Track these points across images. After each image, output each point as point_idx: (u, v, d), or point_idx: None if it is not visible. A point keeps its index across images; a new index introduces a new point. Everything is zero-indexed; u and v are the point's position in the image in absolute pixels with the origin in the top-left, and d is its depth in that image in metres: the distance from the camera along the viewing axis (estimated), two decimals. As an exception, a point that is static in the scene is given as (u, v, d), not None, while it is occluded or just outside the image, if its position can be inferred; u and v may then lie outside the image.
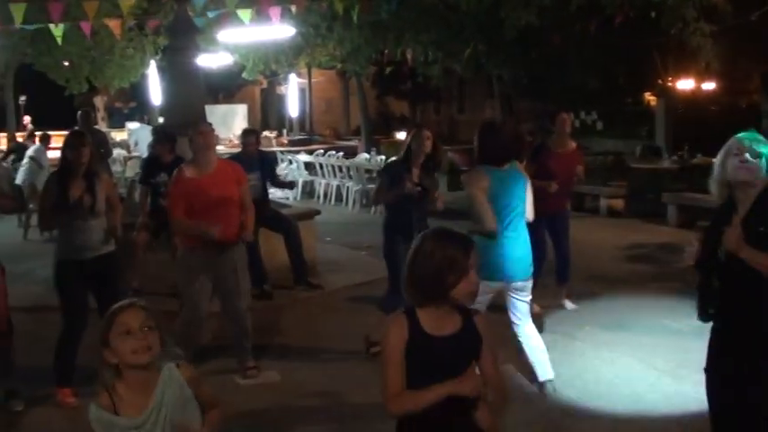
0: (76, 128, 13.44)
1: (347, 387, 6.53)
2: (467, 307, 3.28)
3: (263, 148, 11.56)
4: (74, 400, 6.27)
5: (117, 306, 3.26)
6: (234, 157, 9.86)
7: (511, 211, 5.91)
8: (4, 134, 26.26)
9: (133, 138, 23.20)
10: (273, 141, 26.73)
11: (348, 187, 17.72)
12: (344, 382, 6.64)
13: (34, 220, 14.21)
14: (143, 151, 19.07)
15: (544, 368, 6.17)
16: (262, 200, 9.66)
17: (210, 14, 10.13)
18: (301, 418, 6.05)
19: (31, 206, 14.18)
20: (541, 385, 6.18)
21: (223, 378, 6.66)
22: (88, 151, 6.33)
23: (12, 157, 17.97)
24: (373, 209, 16.20)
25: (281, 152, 22.77)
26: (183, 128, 9.21)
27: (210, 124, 7.04)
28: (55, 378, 6.40)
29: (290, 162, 20.29)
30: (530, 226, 6.14)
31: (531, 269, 6.13)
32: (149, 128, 19.66)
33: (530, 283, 6.13)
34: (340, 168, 18.42)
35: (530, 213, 6.13)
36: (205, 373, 6.75)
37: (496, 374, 3.35)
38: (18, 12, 8.99)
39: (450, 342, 3.19)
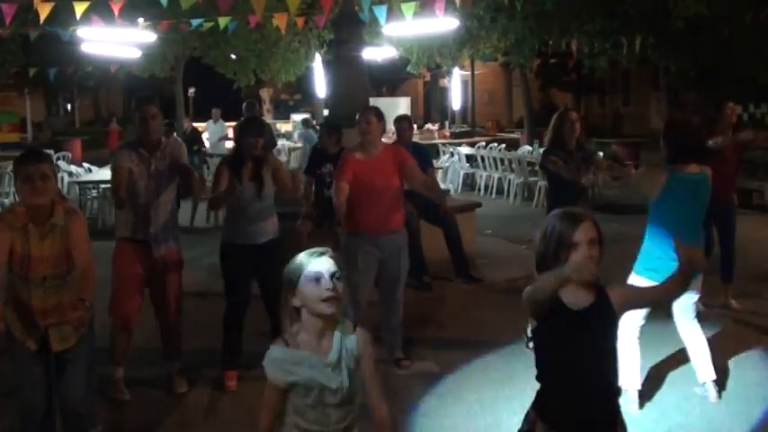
0: (244, 117, 13.91)
1: (503, 380, 6.50)
2: (599, 283, 3.35)
3: (423, 141, 11.57)
4: (234, 383, 6.46)
5: (308, 252, 3.31)
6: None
7: (686, 218, 5.73)
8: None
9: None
10: (436, 134, 26.80)
11: (510, 180, 17.61)
12: (501, 375, 6.62)
13: (201, 208, 14.78)
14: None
15: (706, 369, 5.99)
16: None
17: (377, 12, 10.21)
18: (456, 410, 6.06)
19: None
20: (703, 386, 6.01)
21: (381, 367, 6.74)
22: (264, 142, 6.50)
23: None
24: (534, 202, 16.08)
25: (443, 144, 22.82)
26: (347, 120, 9.39)
27: (382, 114, 7.04)
28: (220, 361, 6.61)
29: (452, 154, 20.31)
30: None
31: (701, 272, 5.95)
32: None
33: (697, 284, 5.95)
34: (502, 161, 18.32)
35: None
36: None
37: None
38: (186, 1, 9.29)
39: (584, 315, 3.28)
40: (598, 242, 3.24)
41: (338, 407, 3.28)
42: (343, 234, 7.06)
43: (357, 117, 6.91)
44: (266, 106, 33.55)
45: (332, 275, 3.24)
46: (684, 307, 5.98)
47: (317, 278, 3.23)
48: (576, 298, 3.29)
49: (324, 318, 3.26)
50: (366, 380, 3.37)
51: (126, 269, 6.23)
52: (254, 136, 6.42)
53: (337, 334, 3.32)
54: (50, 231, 4.53)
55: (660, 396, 6.05)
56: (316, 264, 3.25)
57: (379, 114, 6.87)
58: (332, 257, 3.31)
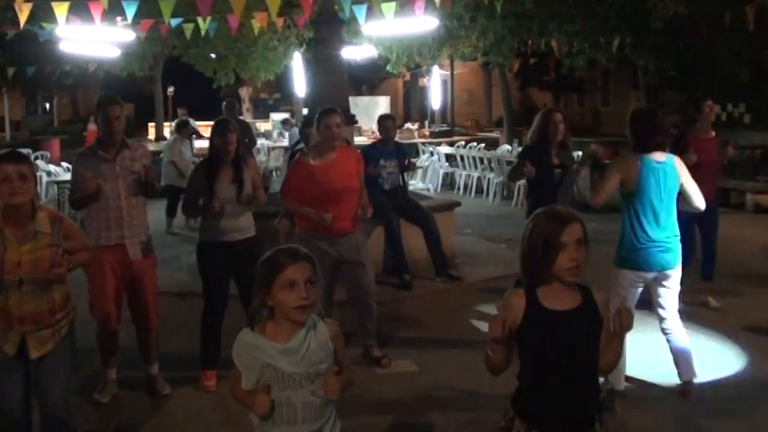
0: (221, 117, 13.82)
1: (483, 378, 6.48)
2: (586, 285, 3.33)
3: (403, 140, 11.60)
4: (214, 383, 6.45)
5: (284, 255, 3.28)
6: (371, 145, 10.00)
7: (659, 204, 5.75)
8: (153, 124, 27.23)
9: None
10: (415, 133, 26.83)
11: (489, 179, 17.64)
12: (480, 374, 6.58)
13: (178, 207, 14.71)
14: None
15: (688, 366, 6.01)
16: (399, 188, 9.76)
17: (357, 11, 10.19)
18: (436, 408, 6.06)
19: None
20: (685, 384, 6.03)
21: (360, 367, 6.73)
22: (235, 138, 6.47)
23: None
24: (514, 201, 16.12)
25: (423, 143, 22.83)
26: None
27: (348, 117, 6.96)
28: (200, 362, 6.59)
29: (432, 154, 20.31)
30: (680, 222, 5.97)
31: (680, 260, 5.96)
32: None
33: (677, 275, 5.95)
34: (481, 160, 18.34)
35: (699, 201, 5.96)
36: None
37: (607, 351, 3.35)
38: (166, 7, 9.24)
39: (569, 316, 3.25)
40: (584, 242, 3.22)
41: (304, 403, 3.30)
42: (282, 234, 7.07)
43: (318, 118, 6.77)
44: (246, 105, 33.43)
45: (306, 282, 3.23)
46: (669, 306, 5.98)
47: (292, 285, 3.22)
48: (558, 301, 3.26)
49: (294, 321, 3.29)
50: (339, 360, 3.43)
51: (101, 274, 6.09)
52: (225, 134, 6.42)
53: (306, 327, 3.33)
54: (32, 237, 4.44)
55: (642, 395, 6.07)
56: (292, 270, 3.23)
57: (348, 117, 6.81)
58: (308, 260, 3.29)
